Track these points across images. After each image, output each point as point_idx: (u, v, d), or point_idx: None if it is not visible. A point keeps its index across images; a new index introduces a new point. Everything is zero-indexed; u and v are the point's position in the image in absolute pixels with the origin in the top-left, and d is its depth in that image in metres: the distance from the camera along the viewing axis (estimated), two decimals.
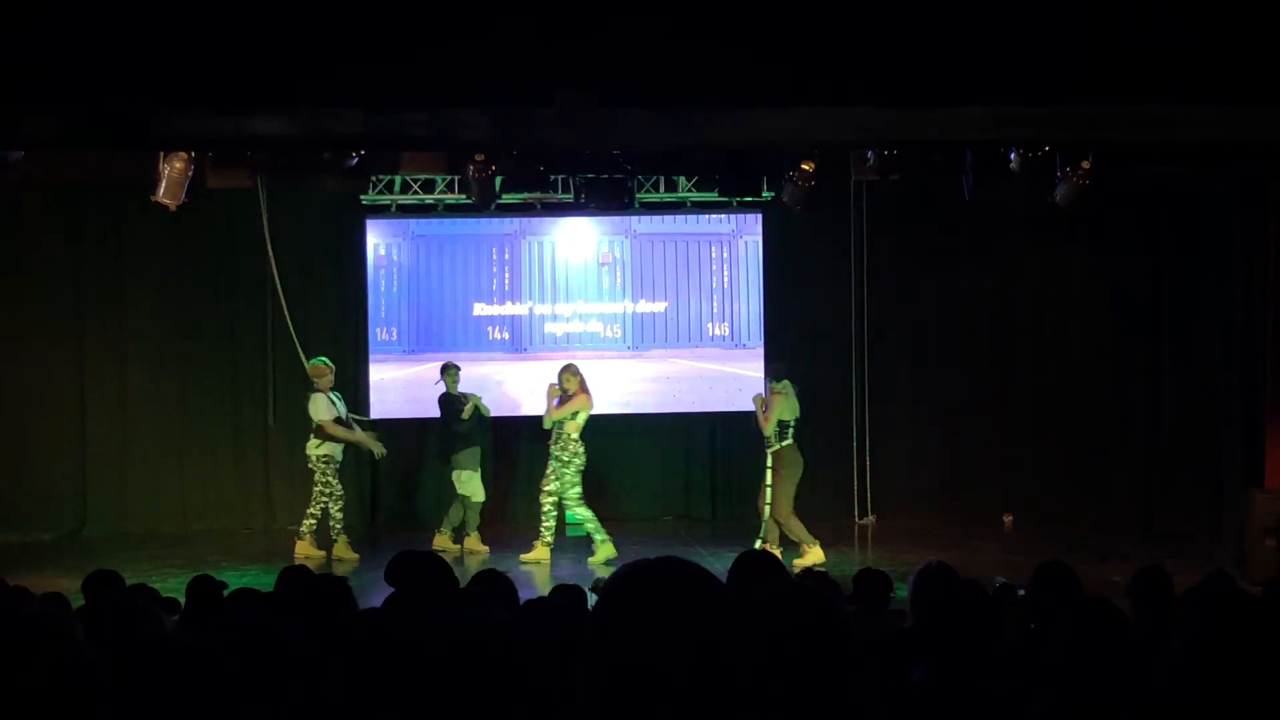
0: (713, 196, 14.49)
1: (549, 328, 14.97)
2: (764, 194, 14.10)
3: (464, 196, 13.99)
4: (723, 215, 15.04)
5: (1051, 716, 3.67)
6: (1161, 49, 9.01)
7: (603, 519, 13.01)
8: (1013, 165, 12.19)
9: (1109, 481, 14.52)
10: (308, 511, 12.83)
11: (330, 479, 12.81)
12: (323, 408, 12.82)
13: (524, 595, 5.31)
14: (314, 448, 12.83)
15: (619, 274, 15.06)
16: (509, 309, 14.95)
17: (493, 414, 13.67)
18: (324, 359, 13.04)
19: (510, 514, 14.30)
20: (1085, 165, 12.29)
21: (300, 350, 13.94)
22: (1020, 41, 9.14)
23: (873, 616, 6.22)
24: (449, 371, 13.42)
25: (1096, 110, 9.63)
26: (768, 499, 12.21)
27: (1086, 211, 13.11)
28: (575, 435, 12.53)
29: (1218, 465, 13.69)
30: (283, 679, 3.73)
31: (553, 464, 12.56)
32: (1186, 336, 14.18)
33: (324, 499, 12.78)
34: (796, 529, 12.13)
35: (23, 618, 3.34)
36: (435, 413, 13.61)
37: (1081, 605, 3.96)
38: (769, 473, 12.24)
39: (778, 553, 11.37)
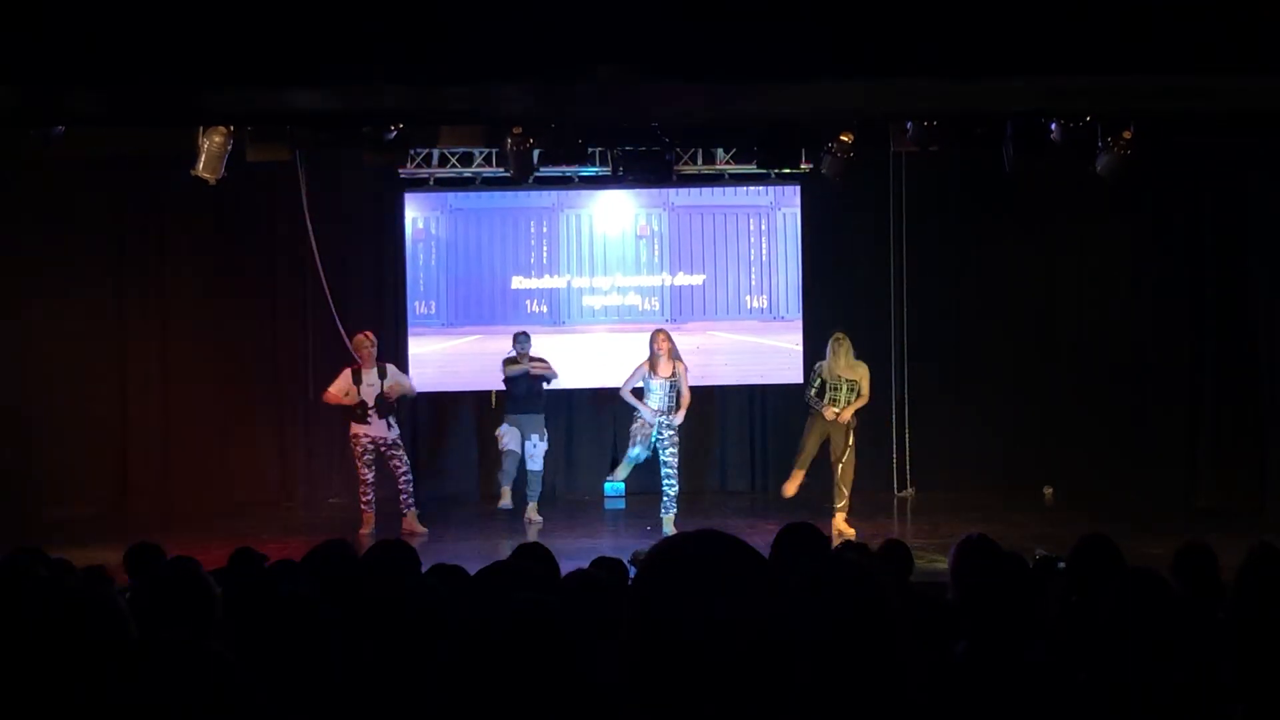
0: (751, 169, 14.44)
1: (587, 300, 14.97)
2: (802, 166, 14.05)
3: (502, 170, 14.01)
4: (761, 187, 14.98)
5: (1096, 688, 3.66)
6: (1204, 17, 8.92)
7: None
8: (1054, 136, 12.12)
9: (1150, 454, 14.43)
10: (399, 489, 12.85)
11: (356, 462, 12.83)
12: (335, 382, 12.83)
13: (569, 567, 5.31)
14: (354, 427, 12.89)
15: (657, 247, 15.04)
16: (547, 282, 14.94)
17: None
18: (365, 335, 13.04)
19: (554, 486, 14.31)
20: (1127, 135, 12.21)
21: (340, 324, 14.01)
22: (1061, 11, 9.08)
23: (897, 588, 6.21)
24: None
25: (1138, 80, 9.56)
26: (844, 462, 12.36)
27: (1128, 182, 13.01)
28: None
29: (1260, 438, 13.60)
30: (325, 651, 3.75)
31: (671, 434, 12.53)
32: (1230, 308, 14.07)
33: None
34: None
35: (65, 592, 3.36)
36: (475, 386, 13.64)
37: (1128, 575, 3.94)
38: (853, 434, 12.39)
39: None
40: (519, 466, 13.10)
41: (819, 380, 12.38)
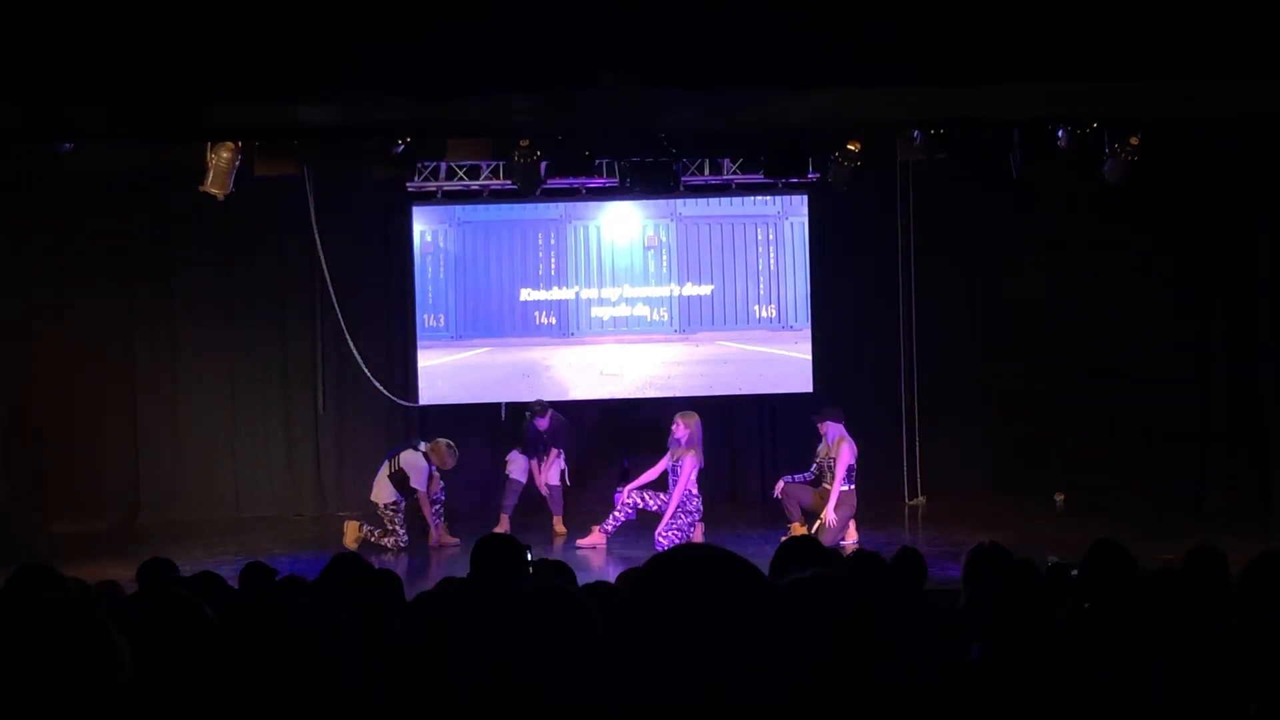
0: (758, 178, 14.43)
1: (596, 312, 14.96)
2: (809, 175, 14.05)
3: (509, 182, 14.03)
4: (768, 197, 14.98)
5: (1112, 691, 3.64)
6: (1212, 20, 8.91)
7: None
8: (1061, 142, 12.11)
9: (1160, 459, 14.41)
10: (375, 531, 12.48)
11: (398, 528, 12.49)
12: (428, 478, 12.62)
13: (581, 578, 5.32)
14: (380, 496, 12.56)
15: (665, 257, 15.04)
16: (555, 294, 14.94)
17: (542, 399, 13.66)
18: (449, 441, 12.94)
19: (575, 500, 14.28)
20: (1134, 141, 12.20)
21: (349, 337, 14.04)
22: (1067, 16, 9.07)
23: (911, 596, 6.19)
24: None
25: (1145, 85, 9.55)
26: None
27: (1136, 188, 13.00)
28: None
29: (1269, 442, 13.56)
30: (337, 661, 3.75)
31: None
32: (1238, 313, 14.04)
33: (386, 537, 12.48)
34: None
35: (47, 610, 3.30)
36: (484, 398, 13.67)
37: (1143, 577, 3.92)
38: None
39: None
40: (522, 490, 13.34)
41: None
